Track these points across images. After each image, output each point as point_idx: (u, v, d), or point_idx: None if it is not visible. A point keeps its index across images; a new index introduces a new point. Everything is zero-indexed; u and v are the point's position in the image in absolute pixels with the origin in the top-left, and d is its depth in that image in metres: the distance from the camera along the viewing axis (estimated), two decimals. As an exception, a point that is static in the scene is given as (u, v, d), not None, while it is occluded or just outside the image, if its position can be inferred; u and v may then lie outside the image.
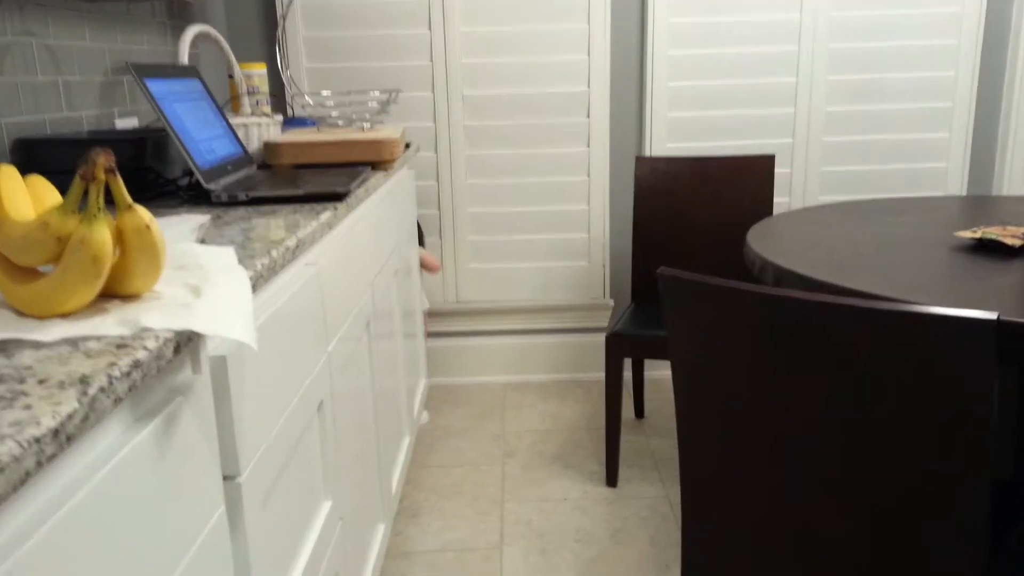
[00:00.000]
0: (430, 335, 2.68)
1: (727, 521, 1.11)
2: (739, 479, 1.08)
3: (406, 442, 1.99)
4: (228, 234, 1.04)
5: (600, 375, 2.72)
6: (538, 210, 2.60)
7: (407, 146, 2.17)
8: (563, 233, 2.62)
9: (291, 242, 0.99)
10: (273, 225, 1.09)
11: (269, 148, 1.64)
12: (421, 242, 2.55)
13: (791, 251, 1.46)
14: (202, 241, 1.00)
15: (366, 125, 1.83)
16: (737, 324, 0.99)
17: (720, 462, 1.09)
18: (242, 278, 0.81)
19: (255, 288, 0.86)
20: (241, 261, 0.88)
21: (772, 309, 0.96)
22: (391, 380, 1.82)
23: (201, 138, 1.36)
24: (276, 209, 1.22)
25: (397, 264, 1.95)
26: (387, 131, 1.74)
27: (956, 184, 2.58)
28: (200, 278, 0.80)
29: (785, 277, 1.36)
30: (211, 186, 1.27)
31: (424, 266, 2.46)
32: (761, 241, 1.54)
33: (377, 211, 1.67)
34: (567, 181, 2.57)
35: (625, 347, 1.96)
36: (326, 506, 1.19)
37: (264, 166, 1.67)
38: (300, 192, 1.26)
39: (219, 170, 1.35)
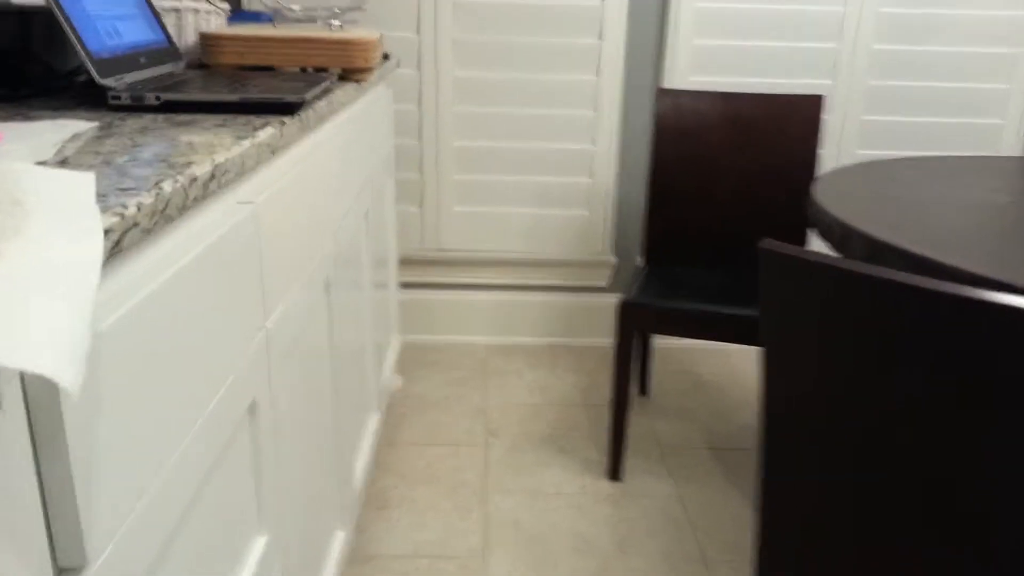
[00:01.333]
0: (405, 286, 2.32)
1: (813, 545, 0.81)
2: (840, 500, 0.77)
3: (374, 420, 1.66)
4: (108, 151, 0.67)
5: (596, 341, 2.40)
6: (535, 147, 2.22)
7: (385, 57, 1.78)
8: (563, 176, 2.26)
9: (202, 169, 0.62)
10: (185, 142, 0.72)
11: (206, 42, 1.25)
12: None
13: (880, 218, 1.13)
14: (62, 162, 0.63)
15: (334, 23, 1.43)
16: (871, 318, 0.67)
17: (813, 479, 0.78)
18: (89, 233, 0.45)
19: (124, 247, 0.50)
20: (104, 198, 0.52)
21: (926, 305, 0.64)
22: (356, 345, 1.47)
23: (100, 14, 0.97)
24: (197, 119, 0.85)
25: (368, 204, 1.58)
26: (361, 31, 1.35)
27: (1010, 145, 2.26)
28: (10, 227, 0.44)
29: (883, 252, 1.04)
30: (107, 81, 0.89)
31: None
32: (836, 202, 1.20)
33: (345, 135, 1.29)
34: (571, 115, 2.20)
35: (641, 319, 1.63)
36: (260, 543, 0.85)
37: (200, 67, 1.28)
38: (234, 98, 0.89)
39: (124, 62, 0.97)
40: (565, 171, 2.25)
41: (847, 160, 2.25)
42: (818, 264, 0.67)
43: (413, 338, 2.37)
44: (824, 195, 1.24)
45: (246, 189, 0.83)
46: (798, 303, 0.72)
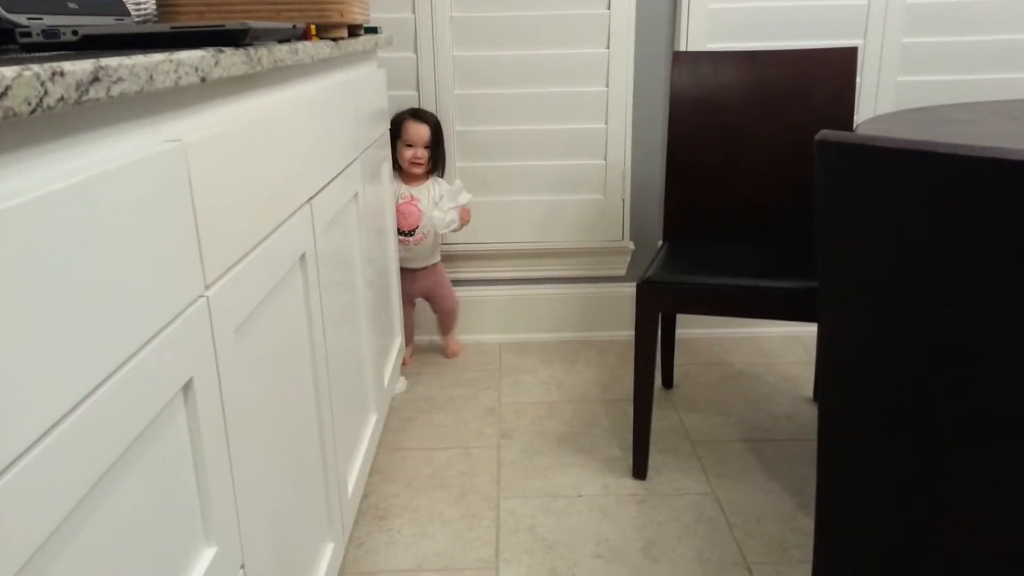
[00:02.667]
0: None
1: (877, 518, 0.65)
2: (915, 465, 0.61)
3: (372, 422, 1.52)
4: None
5: (616, 334, 2.24)
6: (543, 129, 2.08)
7: (374, 30, 1.65)
8: (573, 159, 2.11)
9: (78, 66, 0.48)
10: (79, 70, 0.58)
11: (162, 3, 1.12)
12: (439, 170, 2.04)
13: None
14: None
15: (308, -19, 1.30)
16: (969, 213, 0.52)
17: (881, 436, 0.62)
18: None
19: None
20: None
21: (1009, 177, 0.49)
22: (348, 341, 1.33)
23: (19, -46, 0.84)
24: (123, 58, 0.71)
25: (359, 186, 1.44)
26: (337, -14, 1.22)
27: (1062, 100, 2.07)
28: None
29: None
30: (15, 17, 0.76)
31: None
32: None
33: (322, 100, 1.16)
34: (580, 92, 2.05)
35: (663, 298, 1.48)
36: (206, 556, 0.70)
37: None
38: (165, 29, 0.75)
39: (47, 4, 0.84)
40: (576, 153, 2.10)
41: (881, 127, 2.08)
42: (882, 150, 0.52)
43: (419, 339, 2.22)
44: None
45: (178, 129, 0.70)
46: (869, 207, 0.56)
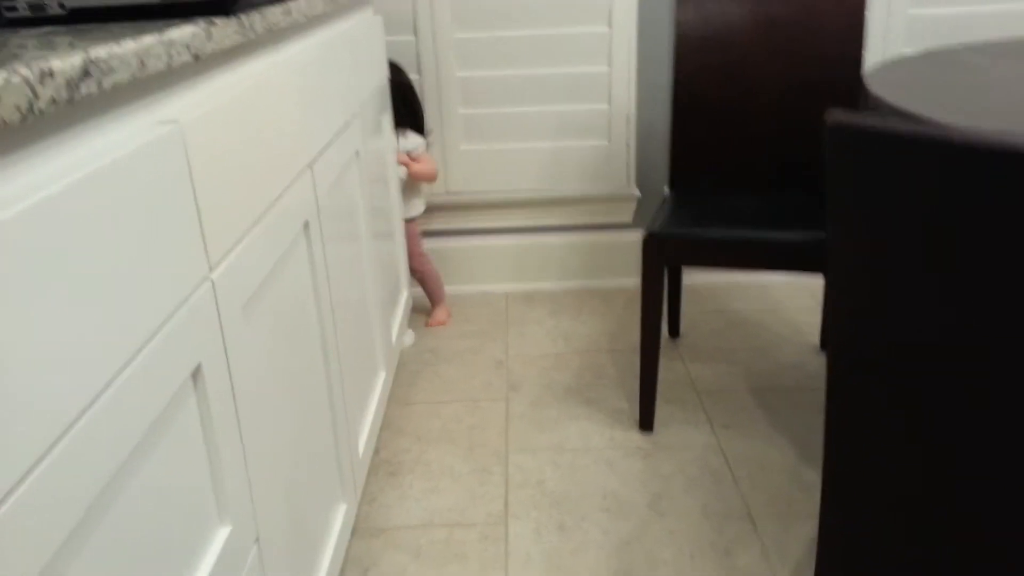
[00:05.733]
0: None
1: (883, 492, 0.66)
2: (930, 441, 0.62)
3: (381, 379, 1.52)
4: (-42, 56, 0.51)
5: (623, 282, 2.23)
6: (546, 73, 2.03)
7: (369, -22, 1.59)
8: (577, 103, 2.06)
9: (67, 63, 0.46)
10: (68, 67, 0.55)
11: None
12: (419, 129, 1.97)
13: (952, 105, 0.94)
14: None
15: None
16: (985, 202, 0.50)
17: (890, 411, 0.63)
18: None
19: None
20: None
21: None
22: (354, 300, 1.32)
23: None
24: (112, 30, 0.68)
25: (359, 143, 1.41)
26: (330, -63, 1.17)
27: (1081, 34, 2.01)
28: None
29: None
30: (-2, -9, 0.73)
31: (416, 175, 1.92)
32: (895, 91, 1.01)
33: (317, 58, 1.12)
34: (582, 33, 1.99)
35: (669, 251, 1.46)
36: (221, 536, 0.71)
37: None
38: (155, 0, 0.72)
39: (29, -28, 0.80)
40: (580, 98, 2.06)
41: (892, 66, 2.02)
42: (894, 136, 0.50)
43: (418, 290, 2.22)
44: (880, 84, 1.04)
45: (172, 108, 0.68)
46: (877, 181, 0.55)
